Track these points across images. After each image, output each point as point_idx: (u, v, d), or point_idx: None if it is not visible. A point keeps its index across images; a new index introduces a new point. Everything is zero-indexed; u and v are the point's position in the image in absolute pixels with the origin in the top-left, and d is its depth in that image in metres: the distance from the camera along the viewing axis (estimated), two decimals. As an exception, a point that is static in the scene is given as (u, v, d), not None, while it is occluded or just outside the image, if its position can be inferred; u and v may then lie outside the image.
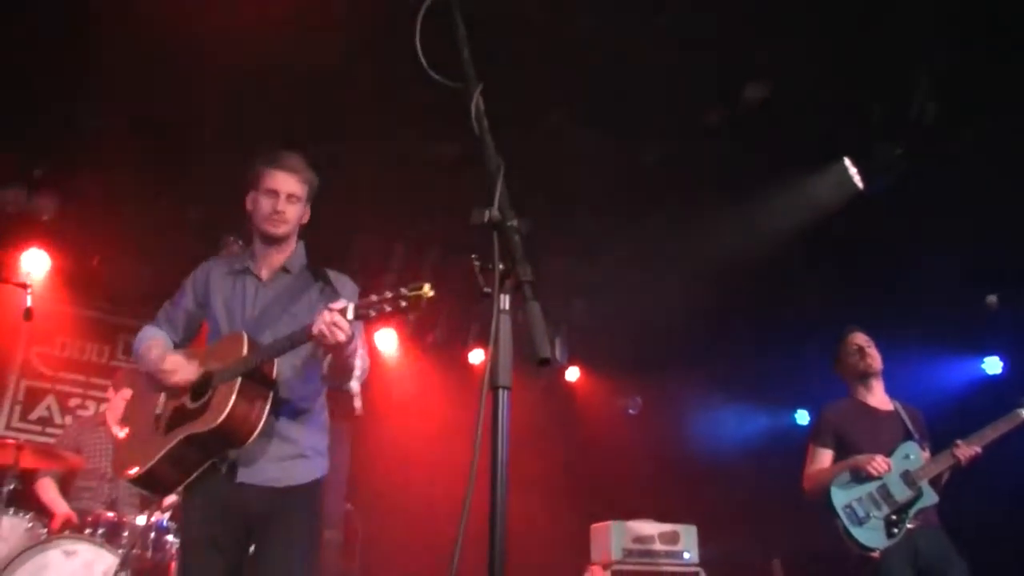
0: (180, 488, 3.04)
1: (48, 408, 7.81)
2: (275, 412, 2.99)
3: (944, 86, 5.54)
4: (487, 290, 1.55)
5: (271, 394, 2.95)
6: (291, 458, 3.07)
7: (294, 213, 3.24)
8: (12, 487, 5.05)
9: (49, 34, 5.47)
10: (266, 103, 5.88)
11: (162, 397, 3.13)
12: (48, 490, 5.69)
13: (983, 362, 7.91)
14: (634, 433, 9.69)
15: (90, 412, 7.56)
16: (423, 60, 2.09)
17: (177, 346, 3.30)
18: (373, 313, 2.73)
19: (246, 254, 3.39)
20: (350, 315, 2.70)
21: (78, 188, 7.02)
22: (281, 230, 3.23)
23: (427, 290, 2.60)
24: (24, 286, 5.63)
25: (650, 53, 5.48)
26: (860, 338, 4.95)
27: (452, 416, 8.17)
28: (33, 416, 7.72)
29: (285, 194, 3.21)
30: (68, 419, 7.63)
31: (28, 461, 5.24)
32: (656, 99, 5.89)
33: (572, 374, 9.95)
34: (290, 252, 3.33)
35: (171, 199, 7.22)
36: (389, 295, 2.68)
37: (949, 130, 5.78)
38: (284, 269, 3.30)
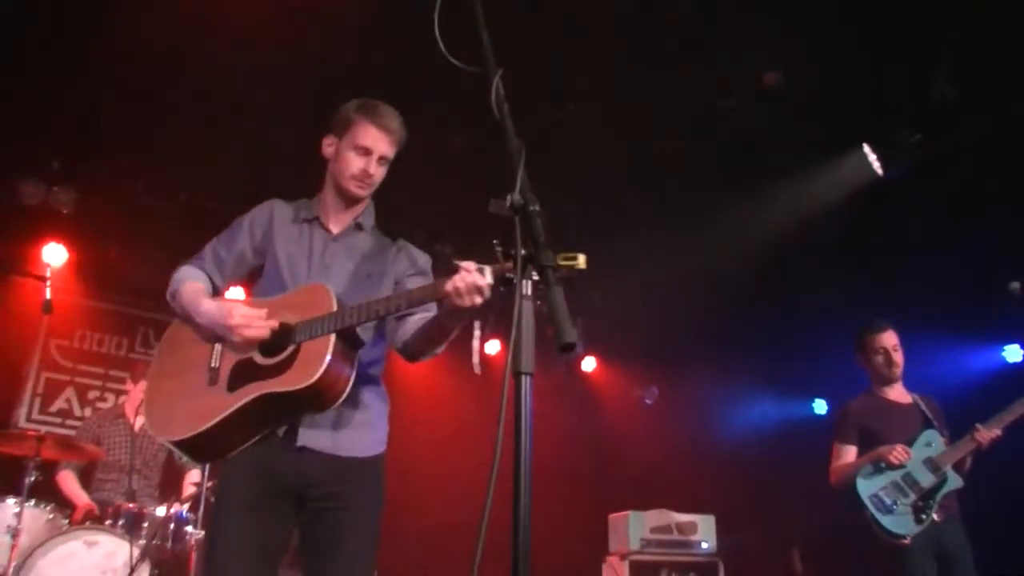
0: (234, 453, 2.69)
1: (68, 400, 7.86)
2: None
3: (964, 68, 5.48)
4: (509, 275, 1.53)
5: (358, 356, 2.67)
6: (358, 426, 2.78)
7: (382, 176, 2.95)
8: (33, 478, 5.08)
9: (68, 29, 5.50)
10: (283, 96, 5.89)
11: (216, 349, 2.75)
12: (69, 482, 5.74)
13: (1004, 350, 7.84)
14: (651, 423, 9.66)
15: (109, 404, 7.59)
16: (442, 45, 2.08)
17: (216, 292, 2.95)
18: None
19: (314, 201, 3.04)
20: (489, 278, 2.36)
21: (97, 181, 7.06)
22: (366, 192, 2.95)
23: (581, 261, 2.37)
24: (43, 279, 5.65)
25: (666, 39, 5.45)
26: (889, 339, 4.94)
27: (467, 406, 8.16)
28: (53, 408, 7.76)
29: (378, 155, 2.89)
30: (87, 411, 7.66)
31: (49, 453, 5.27)
32: (669, 86, 5.86)
33: (589, 364, 9.93)
34: (363, 208, 3.04)
35: (189, 191, 7.26)
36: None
37: (969, 113, 5.72)
38: (357, 225, 3.00)
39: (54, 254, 7.17)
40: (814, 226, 6.92)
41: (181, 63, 5.60)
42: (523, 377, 1.45)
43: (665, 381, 9.97)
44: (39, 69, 5.82)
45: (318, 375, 2.50)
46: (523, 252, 1.54)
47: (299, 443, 2.65)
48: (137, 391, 6.12)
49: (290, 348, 2.60)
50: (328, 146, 2.95)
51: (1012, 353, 7.78)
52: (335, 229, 2.97)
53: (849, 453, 4.84)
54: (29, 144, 6.72)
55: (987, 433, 4.61)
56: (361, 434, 2.79)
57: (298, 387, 2.52)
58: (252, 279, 3.01)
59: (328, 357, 2.52)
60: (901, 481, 4.59)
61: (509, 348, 1.49)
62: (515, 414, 1.44)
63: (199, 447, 2.69)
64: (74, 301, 7.67)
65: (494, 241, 1.88)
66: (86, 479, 5.83)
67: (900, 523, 4.50)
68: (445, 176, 6.60)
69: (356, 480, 2.73)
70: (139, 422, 6.00)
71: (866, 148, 6.25)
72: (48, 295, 5.53)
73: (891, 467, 4.60)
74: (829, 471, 4.89)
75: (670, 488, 8.14)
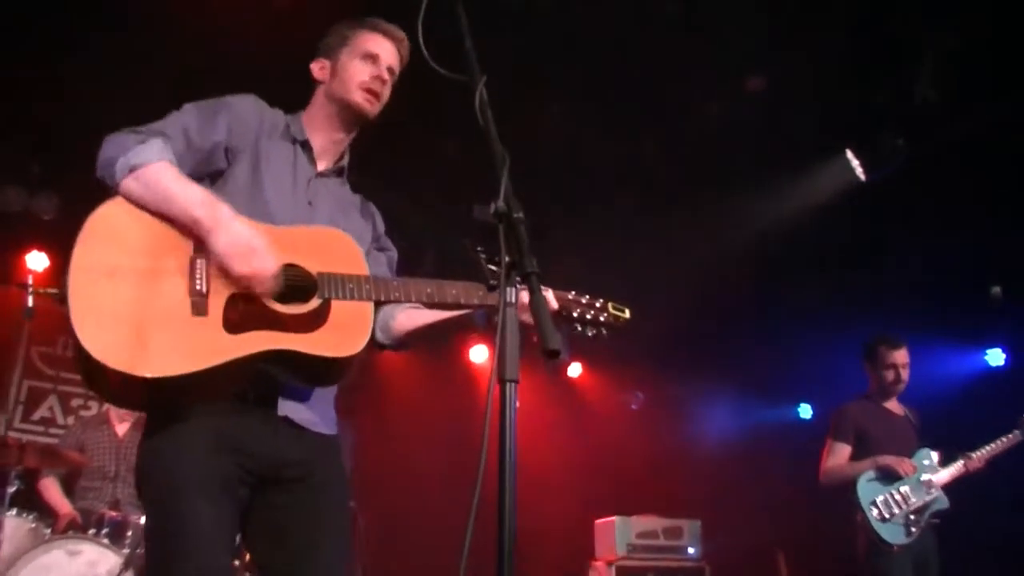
0: (197, 409, 2.13)
1: (50, 408, 7.81)
2: None
3: (946, 72, 5.53)
4: (493, 283, 1.53)
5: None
6: (326, 400, 2.41)
7: (387, 95, 2.52)
8: (16, 487, 5.04)
9: (49, 34, 5.47)
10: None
11: (199, 265, 2.11)
12: (51, 490, 5.69)
13: (986, 354, 7.89)
14: (637, 428, 9.69)
15: (92, 412, 7.54)
16: (425, 52, 2.09)
17: None
18: (575, 313, 2.43)
19: (295, 120, 2.52)
20: (554, 304, 2.32)
21: (79, 187, 7.01)
22: (374, 108, 2.47)
23: (627, 314, 2.39)
24: (25, 286, 5.61)
25: (653, 46, 5.48)
26: (902, 357, 5.15)
27: (453, 413, 8.15)
28: (35, 416, 7.72)
29: (386, 65, 2.48)
30: (71, 419, 7.62)
31: (31, 461, 5.23)
32: (653, 92, 5.88)
33: (575, 370, 9.94)
34: (346, 152, 2.59)
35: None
36: (597, 303, 2.46)
37: (951, 117, 5.78)
38: (339, 170, 2.56)
39: (36, 261, 7.14)
40: (797, 230, 6.96)
41: (166, 66, 5.58)
42: (508, 384, 1.45)
43: (650, 386, 9.99)
44: (17, 74, 5.78)
45: (362, 345, 2.16)
46: (507, 259, 1.54)
47: (281, 412, 2.23)
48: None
49: (315, 302, 2.14)
50: (320, 69, 2.54)
51: (994, 357, 7.83)
52: (320, 164, 2.51)
53: (843, 452, 5.05)
54: (9, 150, 6.66)
55: (976, 463, 4.95)
56: (329, 410, 2.42)
57: (334, 354, 2.13)
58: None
59: (371, 327, 2.21)
60: (898, 494, 4.81)
61: (495, 355, 1.50)
62: (500, 421, 1.44)
63: (168, 392, 2.05)
64: (56, 308, 7.61)
65: (477, 248, 1.88)
66: (69, 487, 5.78)
67: (893, 533, 4.74)
68: (432, 182, 6.61)
69: (331, 461, 2.38)
70: (123, 429, 5.96)
71: (849, 153, 6.29)
72: (31, 302, 5.50)
73: (893, 478, 4.83)
74: (820, 468, 5.09)
75: (656, 493, 8.17)
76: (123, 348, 1.96)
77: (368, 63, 2.46)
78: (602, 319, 2.42)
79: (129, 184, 2.13)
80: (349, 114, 2.48)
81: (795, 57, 5.53)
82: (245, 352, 2.05)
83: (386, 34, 2.51)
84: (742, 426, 9.28)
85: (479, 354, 9.29)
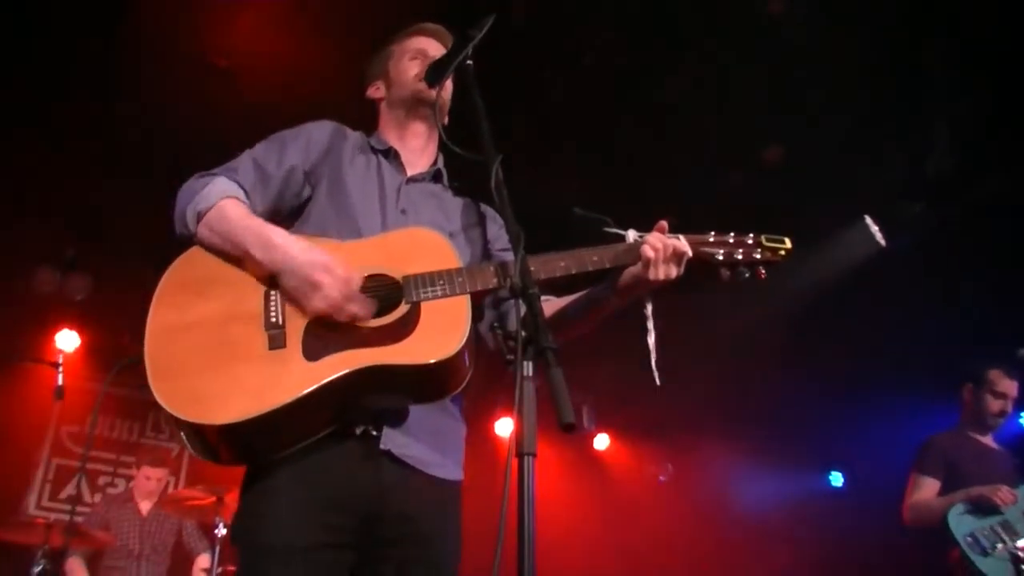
0: (291, 451, 1.92)
1: (77, 487, 7.82)
2: None
3: (963, 141, 5.56)
4: (510, 357, 1.55)
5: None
6: (445, 435, 2.14)
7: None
8: (41, 567, 5.04)
9: (81, 117, 5.65)
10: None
11: (274, 298, 1.98)
12: (77, 570, 5.67)
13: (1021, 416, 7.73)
14: (666, 500, 9.54)
15: (119, 490, 7.56)
16: (444, 136, 2.17)
17: None
18: (720, 256, 2.14)
19: (376, 138, 2.45)
20: (687, 250, 2.06)
21: (111, 267, 7.15)
22: (435, 91, 2.29)
23: (788, 243, 2.13)
24: (55, 365, 5.70)
25: (665, 115, 5.57)
26: (1013, 388, 4.72)
27: (480, 488, 8.08)
28: (63, 495, 7.73)
29: (434, 56, 2.42)
30: (98, 497, 7.63)
31: (57, 540, 5.24)
32: (673, 158, 5.95)
33: (602, 442, 9.84)
34: (435, 152, 2.48)
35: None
36: (748, 239, 2.17)
37: (970, 184, 5.79)
38: (435, 173, 2.43)
39: (66, 340, 7.24)
40: (824, 296, 6.95)
41: (194, 150, 5.73)
42: (526, 458, 1.46)
43: (679, 457, 9.87)
44: (51, 159, 5.96)
45: (458, 346, 1.90)
46: (523, 334, 1.55)
47: (383, 446, 1.97)
48: (142, 477, 6.12)
49: (402, 309, 1.96)
50: (375, 89, 2.53)
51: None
52: (411, 170, 2.37)
53: (930, 487, 4.59)
54: (43, 232, 6.83)
55: None
56: (448, 447, 2.14)
57: (422, 361, 1.89)
58: (287, 217, 2.24)
59: (467, 324, 1.94)
60: (1000, 527, 4.32)
61: (514, 429, 1.51)
62: (519, 495, 1.45)
63: (250, 436, 1.87)
64: (85, 387, 7.70)
65: (493, 324, 1.91)
66: (94, 566, 5.76)
67: (997, 568, 4.21)
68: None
69: (439, 515, 2.07)
70: (146, 507, 5.96)
71: (868, 220, 6.31)
72: (60, 381, 5.57)
73: (990, 510, 4.33)
74: (904, 504, 4.65)
75: (686, 566, 8.00)
76: (189, 400, 1.85)
77: (418, 58, 2.44)
78: (757, 256, 2.15)
79: (202, 232, 2.05)
80: (415, 105, 2.42)
81: (808, 127, 5.60)
82: (323, 379, 1.85)
83: (425, 32, 2.52)
84: (774, 495, 9.12)
85: (504, 427, 9.24)
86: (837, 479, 9.28)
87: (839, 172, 6.02)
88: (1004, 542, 4.26)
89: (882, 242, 6.24)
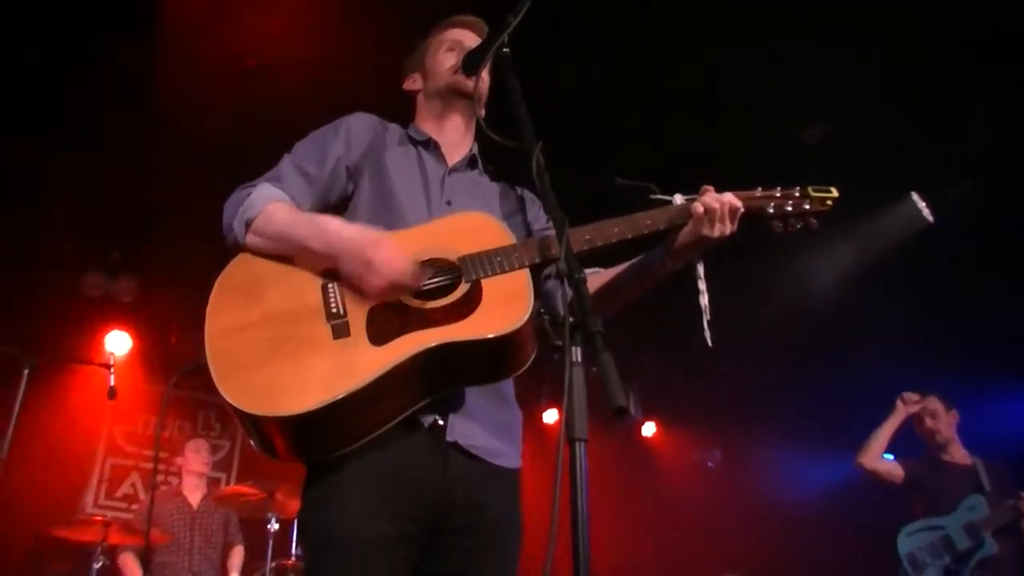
0: (363, 442, 1.90)
1: (132, 485, 7.98)
2: None
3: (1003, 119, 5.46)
4: (558, 343, 1.53)
5: None
6: (507, 425, 2.15)
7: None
8: (101, 563, 5.16)
9: (126, 124, 5.74)
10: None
11: (332, 289, 1.99)
12: (130, 566, 5.78)
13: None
14: (715, 486, 9.46)
15: (171, 486, 7.70)
16: (483, 126, 2.17)
17: None
18: (771, 209, 2.19)
19: (415, 130, 2.46)
20: (739, 206, 2.12)
21: (156, 270, 7.27)
22: (472, 81, 2.32)
23: (835, 192, 2.16)
24: (107, 367, 5.80)
25: (716, 95, 5.50)
26: (920, 408, 5.27)
27: (532, 478, 8.09)
28: (119, 494, 7.89)
29: (470, 46, 2.41)
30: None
31: (115, 538, 5.37)
32: (717, 141, 5.89)
33: (648, 429, 9.80)
34: (472, 142, 2.47)
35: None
36: (796, 192, 2.21)
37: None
38: (472, 160, 2.45)
39: (117, 342, 7.37)
40: (871, 277, 6.83)
41: (238, 150, 5.80)
42: (577, 443, 1.44)
43: (727, 443, 9.78)
44: (98, 162, 6.06)
45: (524, 316, 1.88)
46: (571, 319, 1.54)
47: (449, 437, 1.99)
48: (190, 451, 6.23)
49: (463, 288, 1.96)
50: (412, 81, 2.54)
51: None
52: (451, 160, 2.39)
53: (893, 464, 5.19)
54: (90, 237, 6.95)
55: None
56: (511, 438, 2.15)
57: (493, 333, 1.87)
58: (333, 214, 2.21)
59: (531, 295, 1.93)
60: (939, 543, 4.71)
61: (563, 415, 1.50)
62: (571, 480, 1.43)
63: (323, 427, 1.86)
64: (137, 387, 7.84)
65: (540, 310, 1.89)
66: (147, 562, 5.87)
67: None
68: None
69: (504, 502, 2.08)
70: (196, 499, 6.05)
71: (915, 196, 6.18)
72: (112, 382, 5.67)
73: (936, 527, 4.75)
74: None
75: (734, 553, 7.93)
76: (259, 395, 1.84)
77: (454, 49, 2.45)
78: (806, 207, 2.18)
79: (251, 240, 2.07)
80: (452, 96, 2.42)
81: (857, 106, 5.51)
82: (392, 362, 1.85)
83: (460, 24, 2.51)
84: (824, 481, 9.00)
85: (551, 415, 9.23)
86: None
87: (885, 150, 5.91)
88: (941, 557, 4.67)
89: (930, 218, 6.11)
